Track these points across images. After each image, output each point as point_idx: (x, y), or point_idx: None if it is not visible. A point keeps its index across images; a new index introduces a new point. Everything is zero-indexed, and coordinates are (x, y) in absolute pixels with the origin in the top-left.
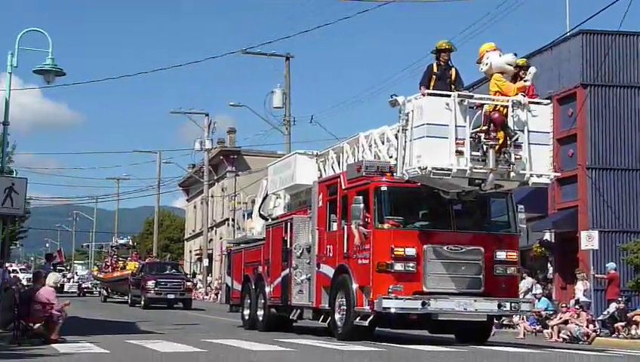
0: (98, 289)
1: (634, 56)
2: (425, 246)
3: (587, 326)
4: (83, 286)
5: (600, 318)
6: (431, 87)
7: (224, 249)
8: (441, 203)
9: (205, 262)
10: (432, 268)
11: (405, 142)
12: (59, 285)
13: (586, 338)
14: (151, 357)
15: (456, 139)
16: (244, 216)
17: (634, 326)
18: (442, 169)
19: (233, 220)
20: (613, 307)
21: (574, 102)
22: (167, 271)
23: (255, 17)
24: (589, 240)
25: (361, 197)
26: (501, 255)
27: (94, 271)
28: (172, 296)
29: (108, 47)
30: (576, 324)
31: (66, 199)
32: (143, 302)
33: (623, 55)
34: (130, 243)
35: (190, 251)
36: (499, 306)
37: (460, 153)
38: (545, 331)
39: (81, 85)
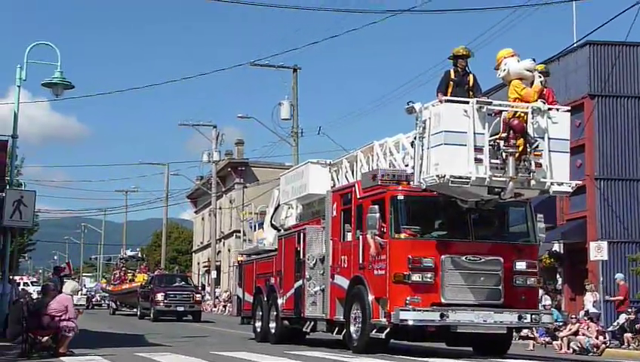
0: (107, 302)
1: None
2: (443, 256)
3: (597, 338)
4: (92, 298)
5: (610, 329)
6: (448, 94)
7: (235, 260)
8: (459, 212)
9: (213, 274)
10: (450, 279)
11: (422, 150)
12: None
13: (595, 349)
14: None
15: (475, 146)
16: (252, 227)
17: None
18: (461, 177)
19: (243, 232)
20: (622, 318)
21: (582, 113)
22: (177, 283)
23: (263, 29)
24: (598, 251)
25: (377, 207)
26: (521, 265)
27: (102, 283)
28: (181, 309)
29: (116, 58)
30: (586, 336)
31: (75, 211)
32: (152, 315)
33: (631, 66)
34: (139, 255)
35: (198, 263)
36: (519, 318)
37: (478, 161)
38: (554, 342)
39: (89, 98)
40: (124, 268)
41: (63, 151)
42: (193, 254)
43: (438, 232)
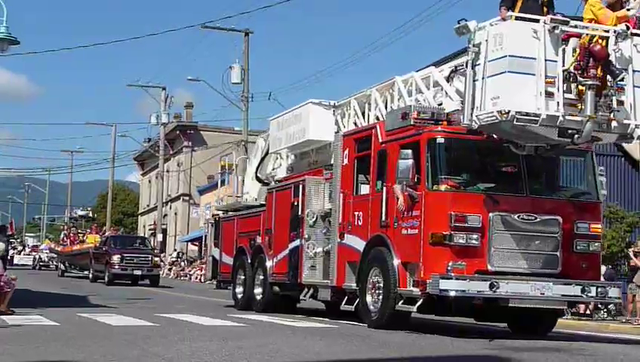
0: (55, 263)
1: None
2: (491, 214)
3: None
4: (39, 259)
5: None
6: (518, 9)
7: (209, 217)
8: (512, 160)
9: (159, 237)
10: (500, 242)
11: (474, 81)
12: (8, 256)
13: None
14: (100, 330)
15: (546, 76)
16: (199, 192)
17: None
18: (528, 114)
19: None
20: None
21: None
22: (134, 245)
23: None
24: None
25: (410, 151)
26: (583, 227)
27: (46, 243)
28: (139, 272)
29: (68, 23)
30: None
31: (18, 170)
32: (106, 278)
33: None
34: (90, 215)
35: (144, 226)
36: (582, 291)
37: (549, 95)
38: None
39: (42, 58)
40: (74, 228)
41: (11, 109)
42: (139, 217)
43: (485, 184)
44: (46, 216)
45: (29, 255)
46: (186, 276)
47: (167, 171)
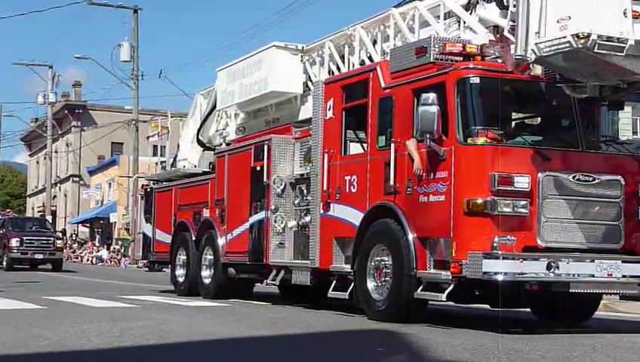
0: None
1: None
2: (540, 174)
3: None
4: None
5: None
6: None
7: (139, 188)
8: (565, 106)
9: (49, 218)
10: (552, 210)
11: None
12: None
13: None
14: None
15: None
16: (89, 172)
17: None
18: (610, 39)
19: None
20: None
21: None
22: (33, 228)
23: None
24: None
25: (433, 95)
26: None
27: None
28: (40, 256)
29: None
30: None
31: None
32: (5, 263)
33: None
34: None
35: (33, 208)
36: None
37: (636, 16)
38: None
39: None
40: None
41: None
42: (27, 198)
43: (531, 137)
44: None
45: None
46: (77, 258)
47: (56, 152)
